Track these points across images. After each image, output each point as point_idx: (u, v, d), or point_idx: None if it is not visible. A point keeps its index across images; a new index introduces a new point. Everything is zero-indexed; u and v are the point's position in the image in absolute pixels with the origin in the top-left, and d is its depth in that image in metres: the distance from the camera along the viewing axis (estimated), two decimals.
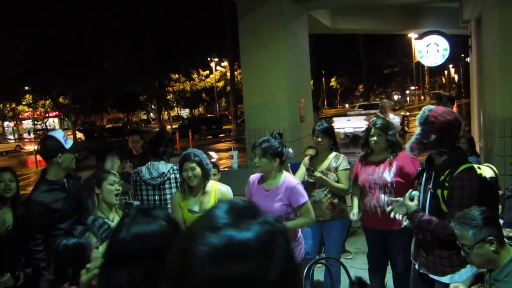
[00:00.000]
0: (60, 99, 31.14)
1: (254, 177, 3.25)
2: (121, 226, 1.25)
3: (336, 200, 3.71)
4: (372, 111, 18.04)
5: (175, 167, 3.62)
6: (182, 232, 0.77)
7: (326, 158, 3.76)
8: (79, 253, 1.93)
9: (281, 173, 3.10)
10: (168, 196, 3.59)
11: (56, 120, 50.74)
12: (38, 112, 39.85)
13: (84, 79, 24.65)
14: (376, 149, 3.42)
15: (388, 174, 3.32)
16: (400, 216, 2.64)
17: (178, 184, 3.58)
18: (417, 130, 2.53)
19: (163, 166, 3.65)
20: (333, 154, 3.78)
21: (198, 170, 2.96)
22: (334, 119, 18.77)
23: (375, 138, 3.37)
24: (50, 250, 2.07)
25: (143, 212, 1.26)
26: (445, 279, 2.49)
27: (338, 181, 3.68)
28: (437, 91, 52.79)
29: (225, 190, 3.18)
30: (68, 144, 2.96)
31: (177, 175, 3.54)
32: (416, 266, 2.71)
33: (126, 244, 1.19)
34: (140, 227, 1.20)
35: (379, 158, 3.43)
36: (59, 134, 3.02)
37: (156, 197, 3.64)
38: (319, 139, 3.71)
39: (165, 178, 3.61)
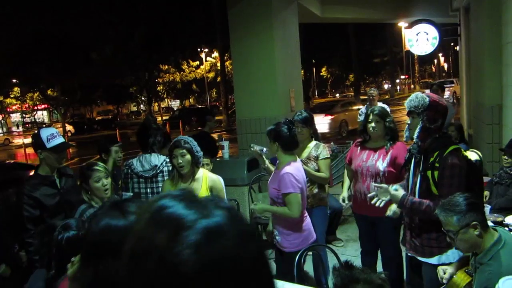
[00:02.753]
0: (49, 92, 30.73)
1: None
2: (93, 218, 1.25)
3: (315, 189, 3.76)
4: (447, 86, 25.12)
5: (168, 160, 3.56)
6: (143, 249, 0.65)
7: (306, 147, 3.80)
8: (81, 244, 1.95)
9: (288, 158, 3.11)
10: (160, 189, 3.55)
11: (45, 113, 50.15)
12: (27, 105, 39.38)
13: (73, 71, 24.35)
14: (374, 135, 3.45)
15: (381, 163, 3.36)
16: (382, 203, 2.68)
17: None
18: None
19: (156, 159, 3.59)
20: (313, 143, 3.81)
21: (188, 156, 2.99)
22: (426, 91, 28.30)
23: (373, 124, 3.41)
24: (46, 246, 2.07)
25: (116, 206, 1.23)
26: (432, 260, 2.55)
27: (318, 170, 3.71)
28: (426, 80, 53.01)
29: (216, 178, 3.21)
30: (51, 143, 2.91)
31: (170, 168, 3.47)
32: (405, 250, 2.77)
33: (95, 237, 1.18)
34: (107, 221, 1.18)
35: (376, 145, 3.46)
36: (45, 132, 2.97)
37: (148, 190, 3.60)
38: (299, 129, 3.71)
39: (158, 171, 3.56)
